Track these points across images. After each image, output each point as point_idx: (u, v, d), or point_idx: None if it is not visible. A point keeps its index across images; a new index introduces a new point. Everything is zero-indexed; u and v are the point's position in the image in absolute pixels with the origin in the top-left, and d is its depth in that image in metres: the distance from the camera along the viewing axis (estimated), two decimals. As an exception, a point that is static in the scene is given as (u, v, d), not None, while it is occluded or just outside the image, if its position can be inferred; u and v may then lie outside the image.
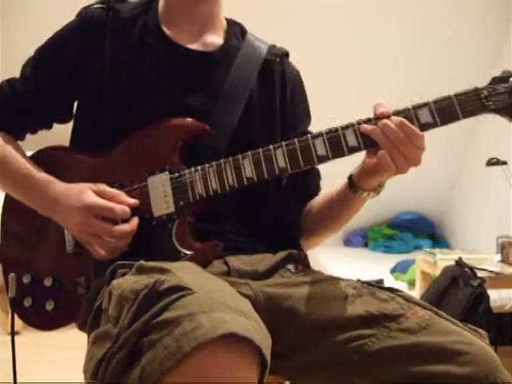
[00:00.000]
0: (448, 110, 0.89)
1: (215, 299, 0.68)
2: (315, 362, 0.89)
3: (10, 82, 1.10)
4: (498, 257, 2.78)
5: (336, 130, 0.91)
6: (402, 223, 4.47)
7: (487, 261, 2.69)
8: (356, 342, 0.86)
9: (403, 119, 0.88)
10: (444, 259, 2.69)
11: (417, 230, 4.47)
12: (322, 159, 0.92)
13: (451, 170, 4.22)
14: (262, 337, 0.66)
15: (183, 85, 1.05)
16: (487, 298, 2.24)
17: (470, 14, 3.58)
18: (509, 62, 3.48)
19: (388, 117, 0.90)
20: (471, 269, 2.33)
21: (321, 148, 0.91)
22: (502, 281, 2.46)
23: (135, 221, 0.95)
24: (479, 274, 2.34)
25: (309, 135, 0.93)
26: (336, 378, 0.87)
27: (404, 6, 3.51)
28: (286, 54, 1.17)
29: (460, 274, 2.33)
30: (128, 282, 0.77)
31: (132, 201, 0.97)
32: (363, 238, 4.57)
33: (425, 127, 0.89)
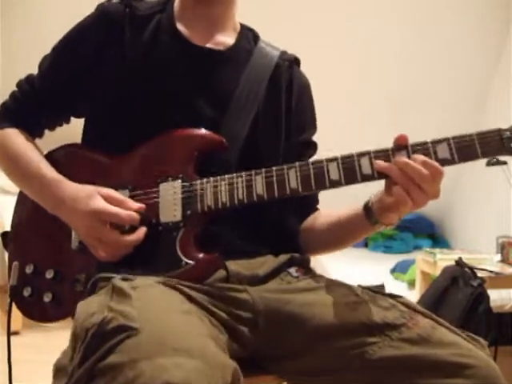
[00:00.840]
0: (467, 149, 0.87)
1: (159, 340, 0.67)
2: (315, 366, 0.89)
3: (28, 78, 1.10)
4: (498, 257, 2.77)
5: (351, 156, 0.90)
6: (402, 223, 4.41)
7: (487, 261, 2.68)
8: (357, 350, 0.86)
9: (425, 158, 0.86)
10: (444, 259, 2.68)
11: (417, 229, 4.46)
12: (335, 184, 0.90)
13: (451, 170, 4.20)
14: (207, 376, 0.65)
15: (194, 83, 1.05)
16: (487, 298, 2.24)
17: (470, 14, 3.57)
18: (509, 61, 3.48)
19: (405, 148, 0.88)
20: (471, 269, 2.33)
21: (334, 173, 0.90)
22: (502, 281, 2.45)
23: (142, 231, 0.95)
24: (479, 273, 2.34)
25: (324, 158, 0.92)
26: (335, 383, 0.88)
27: (404, 6, 3.51)
28: (297, 61, 1.17)
29: (460, 273, 2.33)
30: (84, 313, 0.77)
31: (138, 205, 0.96)
32: (363, 238, 4.56)
33: (442, 163, 0.87)
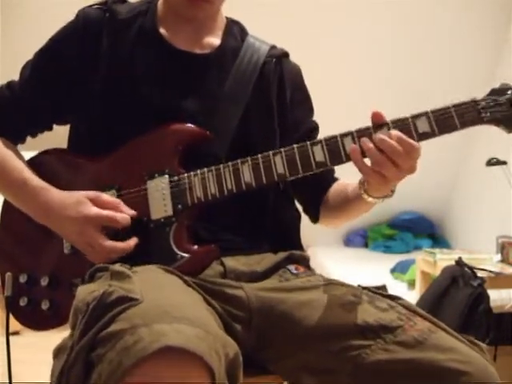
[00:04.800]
0: (446, 120, 0.89)
1: (161, 309, 0.67)
2: (309, 366, 0.89)
3: (9, 85, 1.09)
4: (498, 257, 2.77)
5: (335, 137, 0.91)
6: (402, 223, 4.47)
7: (487, 261, 2.69)
8: (350, 353, 0.85)
9: (401, 134, 0.87)
10: (444, 259, 2.68)
11: (417, 229, 4.46)
12: (321, 165, 0.92)
13: (451, 170, 4.21)
14: (208, 344, 0.65)
15: (179, 87, 1.04)
16: (487, 298, 2.24)
17: (470, 13, 3.58)
18: (509, 61, 3.48)
19: (386, 125, 0.89)
20: (471, 269, 2.33)
21: (319, 154, 0.92)
22: (501, 281, 2.45)
23: (133, 241, 0.95)
24: (479, 273, 2.34)
25: (308, 142, 0.93)
26: (330, 383, 0.87)
27: (404, 6, 3.51)
28: (285, 55, 1.15)
29: (460, 273, 2.33)
30: (84, 292, 0.77)
31: (131, 212, 0.96)
32: (363, 238, 4.57)
33: (423, 137, 0.89)
